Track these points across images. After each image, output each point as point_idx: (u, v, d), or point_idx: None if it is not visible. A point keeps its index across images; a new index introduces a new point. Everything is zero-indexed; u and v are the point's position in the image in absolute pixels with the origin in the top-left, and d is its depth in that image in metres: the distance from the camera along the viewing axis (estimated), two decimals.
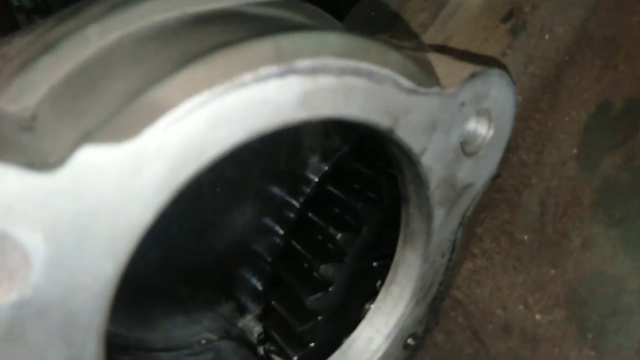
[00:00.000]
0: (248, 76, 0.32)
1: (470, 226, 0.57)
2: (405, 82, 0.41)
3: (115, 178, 0.29)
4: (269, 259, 0.65)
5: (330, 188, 0.63)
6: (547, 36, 0.54)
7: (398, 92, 0.41)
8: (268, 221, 0.65)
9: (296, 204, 0.64)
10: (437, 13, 0.60)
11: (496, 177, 0.55)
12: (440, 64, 0.46)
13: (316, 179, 0.64)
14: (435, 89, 0.43)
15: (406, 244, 0.55)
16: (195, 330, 0.63)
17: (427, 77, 0.43)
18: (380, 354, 0.55)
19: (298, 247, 0.63)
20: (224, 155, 0.33)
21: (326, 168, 0.64)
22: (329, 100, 0.37)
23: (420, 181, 0.48)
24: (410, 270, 0.55)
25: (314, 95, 0.36)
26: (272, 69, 0.33)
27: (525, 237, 0.55)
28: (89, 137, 0.28)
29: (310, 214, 0.63)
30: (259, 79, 0.33)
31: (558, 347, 0.50)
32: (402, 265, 0.56)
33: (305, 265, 0.63)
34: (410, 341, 0.58)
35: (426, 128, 0.45)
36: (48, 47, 0.36)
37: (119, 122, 0.29)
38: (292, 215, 0.65)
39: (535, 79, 0.54)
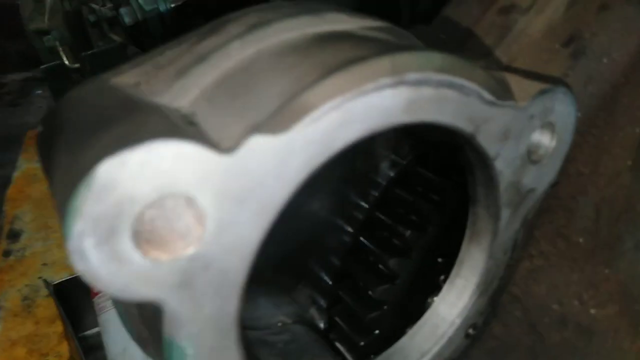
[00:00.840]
0: (370, 85, 0.40)
1: (529, 229, 0.63)
2: (487, 95, 0.48)
3: (272, 162, 0.37)
4: (339, 254, 0.73)
5: (398, 191, 0.71)
6: (605, 60, 0.60)
7: (481, 103, 0.48)
8: (340, 219, 0.73)
9: (365, 205, 0.71)
10: (502, 38, 0.67)
11: (555, 184, 0.61)
12: (511, 81, 0.53)
13: (385, 183, 0.71)
14: (510, 102, 0.50)
15: (472, 241, 0.61)
16: (275, 312, 0.70)
17: (503, 91, 0.50)
18: (444, 339, 0.61)
19: (366, 242, 0.70)
20: (347, 148, 0.41)
21: (393, 174, 0.71)
22: (427, 107, 0.44)
23: (491, 184, 0.55)
24: (475, 265, 0.61)
25: (416, 103, 0.43)
26: (388, 80, 0.41)
27: (581, 240, 0.61)
28: (256, 128, 0.36)
29: (378, 214, 0.70)
30: (378, 88, 0.40)
31: (611, 339, 0.56)
32: (468, 261, 0.62)
33: (372, 259, 0.70)
34: (471, 331, 0.63)
35: (500, 136, 0.52)
36: (199, 59, 0.45)
37: (276, 119, 0.37)
38: (361, 215, 0.72)
39: (594, 97, 0.61)
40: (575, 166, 0.62)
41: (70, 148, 0.36)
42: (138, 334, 0.52)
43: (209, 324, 0.40)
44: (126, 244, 0.33)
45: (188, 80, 0.44)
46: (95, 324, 1.30)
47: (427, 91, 0.43)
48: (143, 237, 0.34)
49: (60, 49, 1.84)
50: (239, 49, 0.45)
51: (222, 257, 0.38)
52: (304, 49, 0.43)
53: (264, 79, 0.41)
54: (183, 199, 0.35)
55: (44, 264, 1.78)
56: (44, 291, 1.59)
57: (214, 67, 0.44)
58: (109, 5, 1.34)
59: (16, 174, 2.16)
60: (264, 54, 0.45)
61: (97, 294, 1.28)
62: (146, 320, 0.48)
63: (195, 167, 0.34)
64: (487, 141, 0.50)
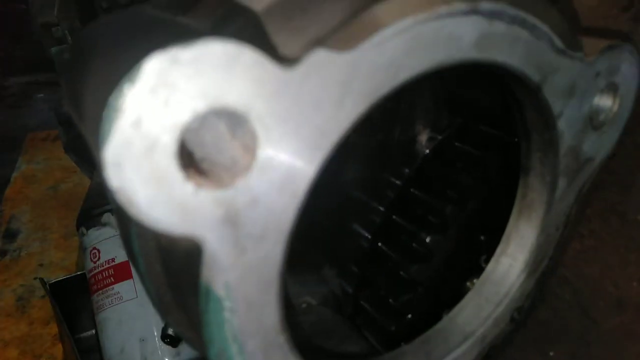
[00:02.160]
0: (444, 8, 0.35)
1: (582, 204, 0.58)
2: (558, 42, 0.44)
3: (334, 83, 0.32)
4: (368, 236, 0.68)
5: (435, 166, 0.66)
6: None
7: (550, 50, 0.44)
8: (371, 197, 0.68)
9: (399, 182, 0.66)
10: (556, 2, 0.63)
11: (612, 156, 0.57)
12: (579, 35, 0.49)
13: (420, 158, 0.66)
14: (579, 54, 0.46)
15: (521, 216, 0.56)
16: (300, 291, 0.64)
17: (573, 41, 0.45)
18: (490, 322, 0.56)
19: (400, 220, 0.65)
20: (412, 80, 0.36)
21: (429, 149, 0.66)
22: (498, 45, 0.40)
23: (550, 147, 0.50)
24: (524, 242, 0.56)
25: (487, 38, 0.39)
26: (462, 6, 0.36)
27: (639, 217, 0.56)
28: (320, 42, 0.32)
29: (413, 190, 0.66)
30: (451, 14, 0.36)
31: None
32: (515, 237, 0.57)
33: (405, 238, 0.65)
34: (516, 315, 0.58)
35: (565, 92, 0.47)
36: None
37: (341, 35, 0.33)
38: (393, 194, 0.67)
39: None
40: (632, 138, 0.58)
41: (105, 56, 0.31)
42: (160, 298, 0.46)
43: (250, 273, 0.34)
44: (170, 162, 0.28)
45: (237, 4, 0.39)
46: (91, 327, 1.25)
47: (500, 26, 0.39)
48: (187, 157, 0.30)
49: (70, 39, 1.80)
50: None
51: (270, 193, 0.33)
52: None
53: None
54: (234, 115, 0.30)
55: (40, 265, 1.74)
56: (40, 292, 1.54)
57: None
58: None
59: (15, 175, 2.12)
60: None
61: (96, 291, 1.23)
62: (172, 278, 0.43)
63: (253, 78, 0.30)
64: (552, 95, 0.46)
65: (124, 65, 0.27)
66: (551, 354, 0.58)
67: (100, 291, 1.21)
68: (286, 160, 0.33)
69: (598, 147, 0.53)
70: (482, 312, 0.57)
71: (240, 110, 0.30)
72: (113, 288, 1.17)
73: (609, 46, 0.48)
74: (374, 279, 0.67)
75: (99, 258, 1.25)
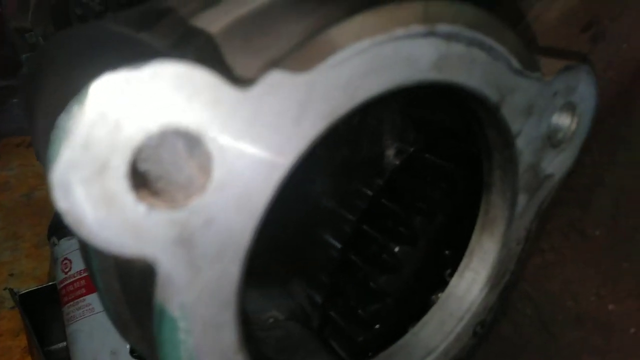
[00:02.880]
0: (401, 31, 0.36)
1: (542, 220, 0.59)
2: (515, 63, 0.45)
3: (290, 104, 0.33)
4: (338, 245, 0.68)
5: (405, 178, 0.67)
6: (624, 46, 0.58)
7: (508, 70, 0.45)
8: (341, 208, 0.68)
9: (369, 192, 0.67)
10: (517, 23, 0.65)
11: (571, 173, 0.58)
12: (537, 55, 0.50)
13: (390, 170, 0.67)
14: (537, 74, 0.47)
15: (484, 231, 0.57)
16: (266, 306, 0.64)
17: (531, 62, 0.47)
18: (452, 337, 0.57)
19: (370, 231, 0.66)
20: (369, 101, 0.37)
21: (400, 161, 0.67)
22: (456, 66, 0.40)
23: (510, 165, 0.52)
24: (487, 257, 0.57)
25: (446, 59, 0.39)
26: (420, 28, 0.37)
27: (597, 233, 0.58)
28: (276, 64, 0.32)
29: (384, 201, 0.66)
30: (408, 36, 0.37)
31: (632, 336, 0.52)
32: (478, 251, 0.58)
33: (375, 248, 0.65)
34: (479, 329, 0.59)
35: (524, 111, 0.48)
36: (209, 2, 0.41)
37: (297, 56, 0.33)
38: (364, 204, 0.67)
39: (612, 84, 0.58)
40: (591, 156, 0.59)
41: (59, 74, 0.31)
42: (118, 315, 0.46)
43: (206, 293, 0.34)
44: (120, 183, 0.28)
45: (198, 22, 0.39)
46: (62, 339, 1.22)
47: (457, 48, 0.40)
48: (139, 178, 0.29)
49: None
50: None
51: (226, 212, 0.33)
52: None
53: (283, 19, 0.37)
54: (187, 137, 0.30)
55: (11, 274, 1.70)
56: (9, 302, 1.50)
57: (227, 11, 0.40)
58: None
59: None
60: (281, 1, 0.40)
61: (66, 302, 1.20)
62: (130, 296, 0.42)
63: (207, 99, 0.30)
64: (511, 115, 0.47)
65: (74, 86, 0.26)
66: None
67: (72, 302, 1.18)
68: (242, 180, 0.33)
69: (557, 164, 0.55)
70: (445, 327, 0.57)
71: (194, 131, 0.30)
72: (84, 299, 1.14)
73: (567, 67, 0.50)
74: (344, 289, 0.67)
75: (70, 269, 1.23)
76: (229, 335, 0.37)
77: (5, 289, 1.56)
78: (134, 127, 0.27)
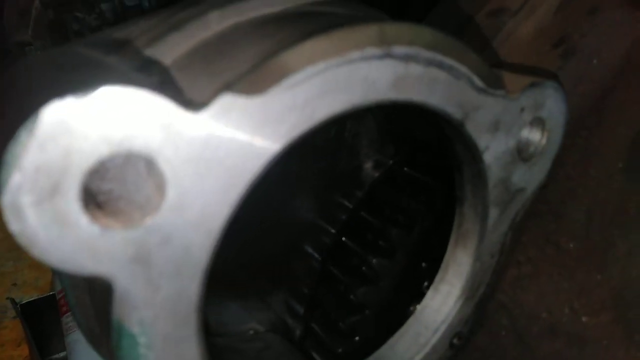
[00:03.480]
0: (356, 54, 0.37)
1: (517, 233, 0.60)
2: (478, 82, 0.46)
3: (244, 127, 0.34)
4: (319, 257, 0.69)
5: (384, 190, 0.67)
6: (595, 61, 0.59)
7: (471, 89, 0.45)
8: (321, 220, 0.69)
9: (349, 204, 0.68)
10: (491, 40, 0.66)
11: (544, 187, 0.59)
12: (503, 74, 0.51)
13: (369, 183, 0.68)
14: (501, 92, 0.48)
15: (458, 244, 0.58)
16: (246, 319, 0.65)
17: (495, 80, 0.48)
18: (428, 348, 0.57)
19: (349, 243, 0.67)
20: (329, 121, 0.38)
21: (379, 174, 0.68)
22: (416, 86, 0.41)
23: (479, 180, 0.52)
24: (461, 269, 0.58)
25: (404, 80, 0.40)
26: (375, 50, 0.38)
27: (571, 245, 0.58)
28: (228, 87, 0.33)
29: (363, 214, 0.67)
30: (364, 58, 0.38)
31: (604, 348, 0.52)
32: (453, 264, 0.59)
33: (355, 261, 0.66)
34: (455, 341, 0.59)
35: (490, 127, 0.49)
36: (173, 27, 0.42)
37: (251, 78, 0.34)
38: (344, 216, 0.68)
39: (584, 98, 0.59)
40: (564, 169, 0.60)
41: (16, 100, 0.32)
42: (90, 330, 0.47)
43: (166, 309, 0.35)
44: (72, 205, 0.29)
45: (160, 48, 0.41)
46: (62, 348, 1.23)
47: (415, 68, 0.41)
48: (92, 200, 0.30)
49: None
50: (217, 19, 0.42)
51: (184, 231, 0.34)
52: (286, 20, 0.41)
53: (241, 43, 0.38)
54: (141, 159, 0.31)
55: (14, 284, 1.72)
56: (12, 312, 1.52)
57: (189, 36, 0.41)
58: (94, 15, 1.31)
59: None
60: (244, 25, 0.42)
61: (65, 312, 1.21)
62: (98, 310, 0.43)
63: (158, 122, 0.31)
64: (476, 131, 0.48)
65: (25, 113, 0.28)
66: None
67: (70, 312, 1.19)
68: (198, 200, 0.34)
69: (528, 178, 0.55)
70: (420, 339, 0.58)
71: (145, 154, 0.31)
72: None
73: (533, 83, 0.50)
74: (324, 301, 0.67)
75: None
76: (191, 350, 0.38)
77: (7, 299, 1.58)
78: (84, 152, 0.28)
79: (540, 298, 0.58)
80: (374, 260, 0.63)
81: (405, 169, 0.66)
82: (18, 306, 1.29)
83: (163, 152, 0.31)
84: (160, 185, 0.32)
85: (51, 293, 1.31)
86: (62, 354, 1.28)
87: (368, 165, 0.67)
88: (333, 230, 0.67)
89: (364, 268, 0.65)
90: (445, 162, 0.65)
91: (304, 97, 0.36)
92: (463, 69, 0.44)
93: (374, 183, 0.67)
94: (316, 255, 0.69)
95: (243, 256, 0.63)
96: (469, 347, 0.60)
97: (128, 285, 0.33)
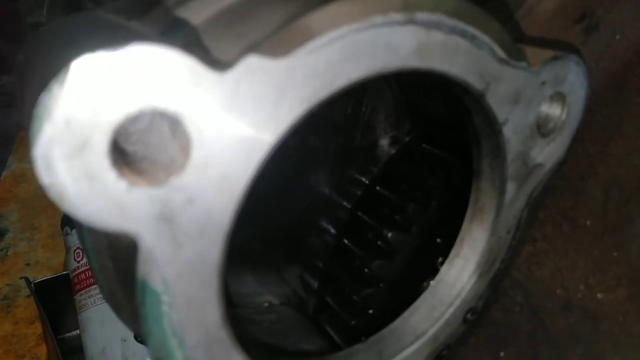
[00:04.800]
0: (379, 19, 0.37)
1: (534, 209, 0.60)
2: (500, 52, 0.45)
3: (268, 88, 0.34)
4: (333, 232, 0.69)
5: (401, 166, 0.67)
6: (617, 37, 0.58)
7: (492, 59, 0.45)
8: (337, 195, 0.69)
9: (365, 180, 0.68)
10: (511, 15, 0.65)
11: (563, 163, 0.58)
12: (525, 46, 0.51)
13: (386, 159, 0.68)
14: (523, 64, 0.48)
15: (474, 219, 0.58)
16: (261, 291, 0.66)
17: (516, 51, 0.47)
18: (441, 322, 0.58)
19: (365, 218, 0.67)
20: (350, 87, 0.38)
21: (395, 150, 0.68)
22: (438, 54, 0.41)
23: (498, 153, 0.52)
24: (476, 244, 0.58)
25: (426, 47, 0.40)
26: (398, 16, 0.38)
27: (588, 223, 0.58)
28: (252, 49, 0.33)
29: (379, 189, 0.67)
30: (387, 24, 0.37)
31: (620, 324, 0.52)
32: (468, 239, 0.59)
33: (371, 235, 0.66)
34: (469, 316, 0.60)
35: (510, 100, 0.49)
36: None
37: (276, 40, 0.34)
38: (359, 192, 0.68)
39: (605, 74, 0.58)
40: (584, 146, 0.59)
41: (44, 59, 0.33)
42: (112, 294, 0.48)
43: (189, 269, 0.36)
44: (101, 160, 0.30)
45: (184, 11, 0.41)
46: (76, 327, 1.25)
47: (438, 36, 0.40)
48: (121, 156, 0.31)
49: None
50: None
51: (207, 192, 0.34)
52: None
53: (266, 7, 0.38)
54: (167, 118, 0.32)
55: (27, 264, 1.75)
56: (25, 291, 1.55)
57: (212, 2, 0.41)
58: None
59: (5, 173, 2.12)
60: None
61: (78, 291, 1.24)
62: (121, 273, 0.44)
63: (185, 82, 0.31)
64: (496, 103, 0.48)
65: (57, 67, 0.28)
66: (501, 354, 0.60)
67: (83, 291, 1.21)
68: (222, 161, 0.34)
69: (547, 153, 0.55)
70: (434, 313, 0.58)
71: (172, 113, 0.31)
72: (96, 287, 1.17)
73: (554, 57, 0.50)
74: (338, 275, 0.68)
75: (82, 257, 1.26)
76: (212, 311, 0.39)
77: (21, 278, 1.61)
78: (114, 106, 0.29)
79: (556, 274, 0.58)
80: (390, 234, 0.63)
81: (423, 145, 0.66)
82: (32, 285, 1.31)
83: (188, 112, 0.32)
84: (184, 146, 0.33)
85: (64, 272, 1.33)
86: (75, 332, 1.31)
87: (384, 142, 0.67)
88: (348, 205, 0.68)
89: (379, 242, 0.65)
90: (463, 136, 0.64)
91: (326, 62, 0.36)
92: (485, 38, 0.43)
93: (391, 159, 0.67)
94: (331, 230, 0.69)
95: (259, 229, 0.63)
96: (482, 322, 0.61)
97: (152, 243, 0.34)
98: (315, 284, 0.68)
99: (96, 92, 0.28)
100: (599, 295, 0.54)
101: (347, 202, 0.68)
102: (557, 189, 0.61)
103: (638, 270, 0.53)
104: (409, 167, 0.67)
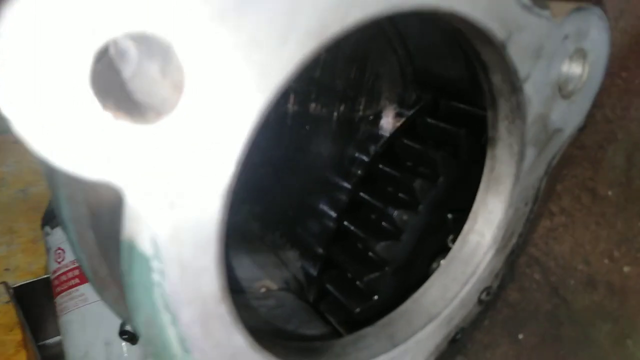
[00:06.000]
0: None
1: (552, 180, 0.56)
2: None
3: (275, 12, 0.29)
4: (334, 215, 0.64)
5: (404, 143, 0.63)
6: None
7: (516, 4, 0.41)
8: (336, 176, 0.64)
9: (366, 158, 0.63)
10: None
11: (582, 129, 0.54)
12: None
13: (389, 134, 0.63)
14: (546, 13, 0.44)
15: (489, 190, 0.54)
16: (258, 275, 0.61)
17: None
18: (456, 302, 0.53)
19: (367, 197, 0.62)
20: (364, 24, 0.33)
21: (400, 123, 0.64)
22: None
23: (518, 114, 0.48)
24: (492, 217, 0.54)
25: None
26: None
27: (610, 193, 0.54)
28: None
29: (382, 166, 0.63)
30: None
31: None
32: (483, 212, 0.54)
33: (374, 216, 0.62)
34: (484, 296, 0.55)
35: (533, 53, 0.45)
36: None
37: None
38: (360, 171, 0.64)
39: (625, 35, 0.55)
40: (602, 112, 0.56)
41: None
42: (94, 271, 0.42)
43: (183, 230, 0.31)
44: (82, 86, 0.25)
45: None
46: (57, 333, 1.20)
47: None
48: (104, 87, 0.26)
49: None
50: None
51: (204, 136, 0.29)
52: None
53: None
54: (158, 44, 0.27)
55: (7, 269, 1.68)
56: (4, 297, 1.48)
57: None
58: None
59: None
60: None
61: (59, 293, 1.17)
62: (103, 245, 0.39)
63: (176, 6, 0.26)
64: (518, 55, 0.43)
65: None
66: (520, 337, 0.56)
67: (64, 293, 1.15)
68: (222, 102, 0.29)
69: (567, 117, 0.51)
70: (448, 293, 0.54)
71: (161, 38, 0.26)
72: (78, 289, 1.11)
73: (578, 8, 0.46)
74: (340, 260, 0.63)
75: (63, 258, 1.20)
76: (210, 281, 0.34)
77: (0, 283, 1.55)
78: (96, 30, 0.24)
79: (576, 249, 0.54)
80: (395, 213, 0.58)
81: (428, 119, 0.62)
82: (11, 289, 1.25)
83: (182, 39, 0.27)
84: (177, 83, 0.28)
85: (44, 276, 1.27)
86: (56, 339, 1.25)
87: (389, 113, 0.63)
88: (349, 186, 0.63)
89: (383, 223, 0.61)
90: (474, 105, 0.60)
91: None
92: None
93: (394, 135, 0.63)
94: (331, 213, 0.64)
95: (257, 206, 0.58)
96: (498, 303, 0.57)
97: (140, 195, 0.29)
98: (315, 272, 0.64)
99: (77, 12, 0.23)
100: (626, 269, 0.51)
101: (348, 183, 0.63)
102: (575, 159, 0.57)
103: None
104: (413, 143, 0.63)
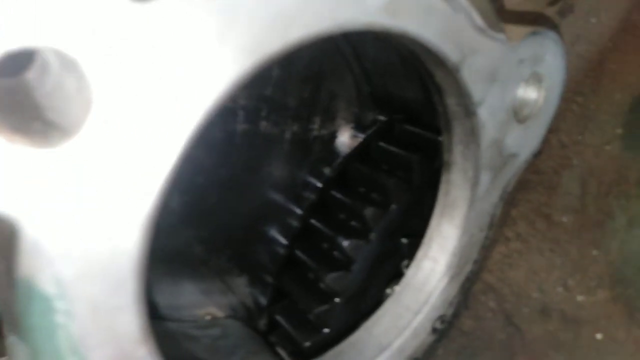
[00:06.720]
0: None
1: (507, 206, 0.55)
2: (478, 20, 0.40)
3: (201, 25, 0.26)
4: (284, 242, 0.61)
5: (356, 168, 0.61)
6: (593, 20, 0.54)
7: (470, 27, 0.40)
8: (287, 200, 0.61)
9: (318, 183, 0.61)
10: None
11: (537, 154, 0.54)
12: (503, 18, 0.46)
13: (341, 159, 0.61)
14: (501, 36, 0.42)
15: (444, 215, 0.52)
16: (203, 302, 0.57)
17: (496, 22, 0.42)
18: (408, 332, 0.51)
19: (318, 225, 0.60)
20: (307, 42, 0.31)
21: (352, 148, 0.61)
22: (410, 13, 0.35)
23: (472, 139, 0.46)
24: (447, 243, 0.52)
25: (398, 3, 0.34)
26: None
27: (564, 219, 0.53)
28: None
29: (333, 192, 0.60)
30: None
31: (603, 329, 0.47)
32: (437, 238, 0.53)
33: (325, 245, 0.59)
34: (438, 324, 0.53)
35: (487, 77, 0.43)
36: None
37: None
38: (312, 196, 0.61)
39: (581, 60, 0.55)
40: (558, 137, 0.55)
41: None
42: (7, 306, 0.38)
43: (93, 265, 0.27)
44: None
45: None
46: (3, 353, 1.11)
47: None
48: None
49: None
50: None
51: (115, 160, 0.26)
52: None
53: None
54: (65, 61, 0.23)
55: None
56: None
57: None
58: None
59: None
60: None
61: None
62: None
63: (87, 14, 0.23)
64: (472, 78, 0.42)
65: None
66: None
67: None
68: (138, 121, 0.26)
69: (523, 142, 0.50)
70: (400, 322, 0.52)
71: (66, 53, 0.23)
72: None
73: (533, 32, 0.45)
74: (290, 290, 0.60)
75: None
76: (127, 322, 0.30)
77: None
78: None
79: (531, 276, 0.53)
80: (346, 243, 0.56)
81: (382, 143, 0.60)
82: None
83: (90, 52, 0.24)
84: (86, 101, 0.25)
85: None
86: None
87: (344, 135, 0.60)
88: (300, 212, 0.60)
89: (334, 252, 0.58)
90: (430, 128, 0.59)
91: (278, 6, 0.29)
92: (464, 1, 0.38)
93: (346, 159, 0.61)
94: (281, 240, 0.61)
95: (202, 229, 0.55)
96: (452, 332, 0.55)
97: (40, 228, 0.25)
98: (265, 301, 0.60)
99: None
100: (579, 298, 0.49)
101: (299, 208, 0.60)
102: (530, 184, 0.56)
103: (620, 269, 0.49)
104: (366, 168, 0.61)
